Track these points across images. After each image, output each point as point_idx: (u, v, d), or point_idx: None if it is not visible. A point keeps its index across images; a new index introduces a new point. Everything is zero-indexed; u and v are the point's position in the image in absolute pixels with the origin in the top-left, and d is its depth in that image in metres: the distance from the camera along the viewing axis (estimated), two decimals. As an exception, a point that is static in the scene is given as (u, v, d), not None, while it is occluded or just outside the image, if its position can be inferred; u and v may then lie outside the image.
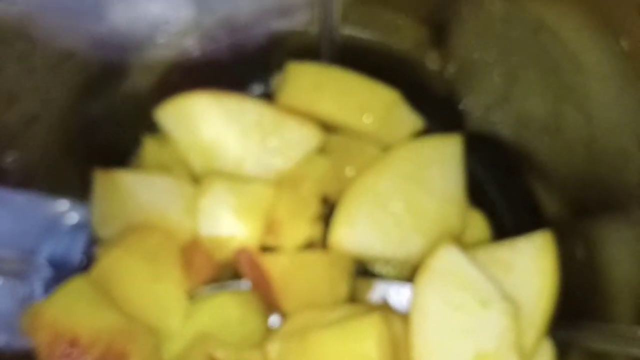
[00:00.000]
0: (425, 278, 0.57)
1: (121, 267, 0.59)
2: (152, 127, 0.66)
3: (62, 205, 0.63)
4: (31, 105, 0.56)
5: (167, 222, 0.61)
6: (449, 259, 0.57)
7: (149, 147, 0.67)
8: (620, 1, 0.44)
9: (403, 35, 0.65)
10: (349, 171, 0.66)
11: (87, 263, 0.63)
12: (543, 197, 0.64)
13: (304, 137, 0.65)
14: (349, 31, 0.66)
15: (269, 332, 0.60)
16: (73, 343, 0.52)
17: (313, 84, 0.67)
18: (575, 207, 0.60)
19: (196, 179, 0.64)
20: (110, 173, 0.63)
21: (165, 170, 0.65)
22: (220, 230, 0.61)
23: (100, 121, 0.63)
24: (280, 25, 0.65)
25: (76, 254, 0.65)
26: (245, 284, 0.63)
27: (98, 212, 0.63)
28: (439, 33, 0.62)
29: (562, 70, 0.53)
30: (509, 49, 0.57)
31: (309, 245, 0.63)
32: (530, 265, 0.59)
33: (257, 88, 0.72)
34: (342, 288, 0.62)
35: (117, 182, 0.62)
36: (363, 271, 0.65)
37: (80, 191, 0.63)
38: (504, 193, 0.68)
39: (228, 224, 0.61)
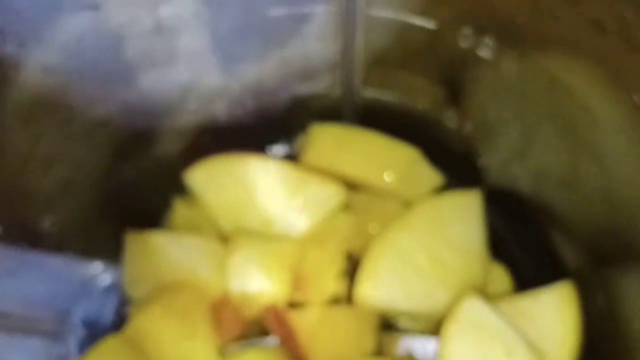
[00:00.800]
0: (451, 330, 0.58)
1: (153, 325, 0.60)
2: (181, 189, 0.68)
3: (96, 267, 0.65)
4: (67, 170, 0.58)
5: (197, 280, 0.63)
6: (473, 310, 0.59)
7: (179, 209, 0.69)
8: (631, 57, 0.46)
9: (421, 95, 0.67)
10: (372, 228, 0.67)
11: (119, 323, 0.64)
12: (563, 248, 0.65)
13: (328, 196, 0.67)
14: (369, 93, 0.68)
15: (297, 388, 0.61)
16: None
17: (336, 144, 0.69)
18: (595, 258, 0.61)
19: (225, 238, 0.66)
20: (142, 234, 0.65)
21: (195, 231, 0.67)
22: (249, 288, 0.62)
23: (131, 184, 0.66)
24: (304, 89, 0.68)
25: (109, 314, 0.66)
26: (272, 340, 0.64)
27: (130, 272, 0.65)
28: (456, 93, 0.64)
29: (577, 125, 0.55)
30: (524, 105, 0.59)
31: (335, 301, 0.64)
32: (553, 316, 0.60)
33: (282, 149, 0.75)
34: (368, 343, 0.63)
35: (148, 243, 0.64)
36: (388, 326, 0.66)
37: (113, 253, 0.65)
38: (524, 245, 0.69)
39: (256, 281, 0.62)
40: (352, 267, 0.65)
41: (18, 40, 0.48)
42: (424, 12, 0.57)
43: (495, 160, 0.68)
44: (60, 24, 0.49)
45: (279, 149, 0.74)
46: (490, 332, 0.58)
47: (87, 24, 0.51)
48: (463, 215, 0.66)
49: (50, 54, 0.50)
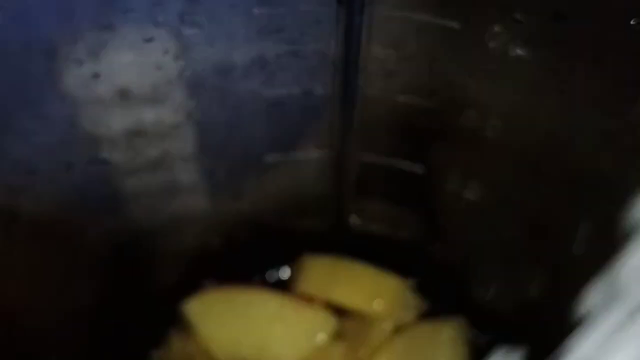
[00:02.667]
0: None
1: None
2: (176, 321, 0.70)
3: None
4: (68, 307, 0.59)
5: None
6: None
7: (174, 340, 0.70)
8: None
9: (408, 229, 0.70)
10: (363, 353, 0.69)
11: None
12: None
13: (321, 324, 0.69)
14: (358, 225, 0.71)
15: None
16: None
17: (327, 274, 0.72)
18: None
19: (220, 369, 0.68)
20: (139, 368, 0.66)
21: (191, 363, 0.68)
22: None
23: (126, 318, 0.67)
24: (296, 222, 0.70)
25: None
26: None
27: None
28: (442, 227, 0.68)
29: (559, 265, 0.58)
30: (508, 243, 0.62)
31: None
32: None
33: (274, 277, 0.77)
34: None
35: (145, 377, 0.66)
36: None
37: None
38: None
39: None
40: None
41: (33, 197, 0.50)
42: (412, 158, 0.61)
43: (479, 288, 0.70)
44: (72, 180, 0.52)
45: (271, 278, 0.76)
46: None
47: (97, 176, 0.54)
48: (448, 342, 0.68)
49: (61, 205, 0.53)
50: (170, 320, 0.70)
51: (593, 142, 0.48)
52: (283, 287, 0.74)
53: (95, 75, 0.48)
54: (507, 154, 0.55)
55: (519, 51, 0.46)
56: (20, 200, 0.50)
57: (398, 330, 0.70)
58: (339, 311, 0.71)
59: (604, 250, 0.51)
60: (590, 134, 0.47)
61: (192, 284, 0.70)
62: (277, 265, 0.76)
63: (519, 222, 0.59)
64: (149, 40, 0.47)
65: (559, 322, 0.63)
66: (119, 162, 0.55)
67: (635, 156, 0.45)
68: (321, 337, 0.69)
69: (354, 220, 0.70)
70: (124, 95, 0.50)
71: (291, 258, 0.74)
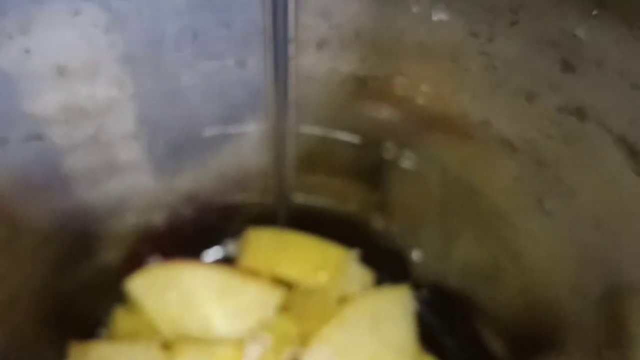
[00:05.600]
0: None
1: None
2: (121, 298, 0.70)
3: (40, 380, 0.66)
4: (13, 287, 0.59)
5: (142, 388, 0.64)
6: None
7: (120, 317, 0.71)
8: (540, 171, 0.51)
9: (349, 200, 0.71)
10: (310, 325, 0.70)
11: None
12: (491, 338, 0.69)
13: (266, 297, 0.70)
14: (300, 199, 0.72)
15: None
16: None
17: (271, 247, 0.73)
18: (524, 347, 0.64)
19: (166, 344, 0.67)
20: (85, 345, 0.66)
21: (137, 338, 0.68)
22: (193, 393, 0.64)
23: (72, 295, 0.67)
24: (238, 197, 0.71)
25: None
26: None
27: (74, 383, 0.66)
28: (382, 197, 0.69)
29: (496, 230, 0.59)
30: (446, 210, 0.63)
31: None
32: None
33: (218, 253, 0.77)
34: None
35: (91, 353, 0.66)
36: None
37: (56, 364, 0.66)
38: (453, 337, 0.73)
39: (200, 387, 0.64)
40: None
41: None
42: (348, 129, 0.61)
43: (421, 258, 0.72)
44: (8, 156, 0.52)
45: (215, 253, 0.77)
46: None
47: (34, 153, 0.54)
48: (395, 310, 0.70)
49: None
50: (115, 297, 0.70)
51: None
52: (228, 262, 0.75)
53: (27, 50, 0.48)
54: (437, 122, 0.56)
55: (442, 15, 0.47)
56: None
57: (344, 301, 0.71)
58: (285, 284, 0.72)
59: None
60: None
61: (137, 262, 0.71)
62: (221, 240, 0.76)
63: (455, 190, 0.61)
64: (78, 13, 0.47)
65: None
66: (56, 138, 0.55)
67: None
68: (267, 310, 0.69)
69: (296, 193, 0.71)
70: (58, 71, 0.50)
71: (235, 233, 0.75)
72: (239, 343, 0.67)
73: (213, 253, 0.77)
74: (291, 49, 0.52)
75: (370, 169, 0.66)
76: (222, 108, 0.59)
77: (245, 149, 0.64)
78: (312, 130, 0.62)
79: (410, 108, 0.56)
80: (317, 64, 0.55)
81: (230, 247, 0.77)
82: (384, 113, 0.58)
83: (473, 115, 0.52)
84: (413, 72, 0.53)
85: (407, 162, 0.61)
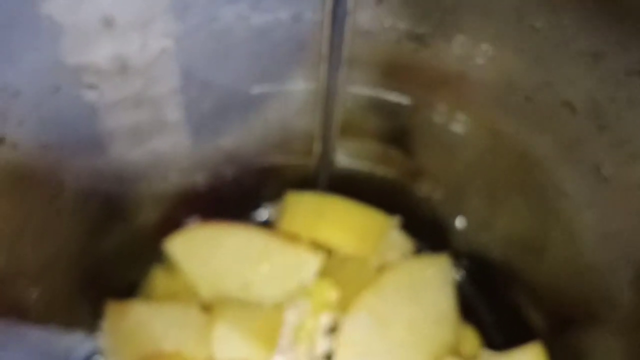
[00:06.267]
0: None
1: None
2: (160, 259, 0.69)
3: (76, 338, 0.65)
4: (55, 245, 0.59)
5: (180, 349, 0.63)
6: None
7: (158, 278, 0.70)
8: (600, 135, 0.50)
9: (393, 166, 0.70)
10: (348, 291, 0.69)
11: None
12: (531, 311, 0.68)
13: (305, 262, 0.69)
14: (344, 163, 0.71)
15: None
16: None
17: (312, 212, 0.72)
18: (563, 320, 0.64)
19: (204, 305, 0.67)
20: (122, 304, 0.66)
21: (175, 299, 0.68)
22: (233, 355, 0.64)
23: (112, 255, 0.66)
24: (281, 159, 0.70)
25: (89, 384, 0.66)
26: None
27: (110, 342, 0.65)
28: (427, 164, 0.68)
29: (546, 197, 0.58)
30: (494, 176, 0.62)
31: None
32: (525, 377, 0.63)
33: (259, 216, 0.76)
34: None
35: (128, 313, 0.65)
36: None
37: (92, 324, 0.66)
38: (493, 309, 0.72)
39: (241, 348, 0.63)
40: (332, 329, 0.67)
41: (17, 120, 0.49)
42: (399, 89, 0.60)
43: (464, 226, 0.71)
44: (60, 104, 0.51)
45: (256, 216, 0.76)
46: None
47: (84, 103, 0.53)
48: (434, 279, 0.69)
49: (47, 131, 0.52)
50: (154, 258, 0.70)
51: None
52: (268, 226, 0.74)
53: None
54: (495, 83, 0.55)
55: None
56: (5, 126, 0.49)
57: (383, 268, 0.71)
58: (324, 249, 0.71)
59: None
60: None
61: (176, 223, 0.70)
62: (262, 203, 0.76)
63: (506, 155, 0.60)
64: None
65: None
66: (104, 90, 0.54)
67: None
68: (306, 275, 0.69)
69: (339, 157, 0.70)
70: (108, 22, 0.49)
71: (276, 196, 0.74)
72: (278, 307, 0.67)
73: (253, 216, 0.76)
74: (350, 2, 0.51)
75: (417, 134, 0.65)
76: (272, 65, 0.58)
77: (291, 109, 0.63)
78: (362, 90, 0.61)
79: (468, 68, 0.54)
80: (375, 20, 0.54)
81: (271, 210, 0.76)
82: (440, 73, 0.57)
83: (534, 76, 0.51)
84: (474, 30, 0.51)
85: (458, 125, 0.60)
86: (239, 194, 0.72)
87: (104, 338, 0.65)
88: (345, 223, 0.72)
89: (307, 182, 0.73)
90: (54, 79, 0.50)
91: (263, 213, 0.76)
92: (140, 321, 0.65)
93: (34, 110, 0.49)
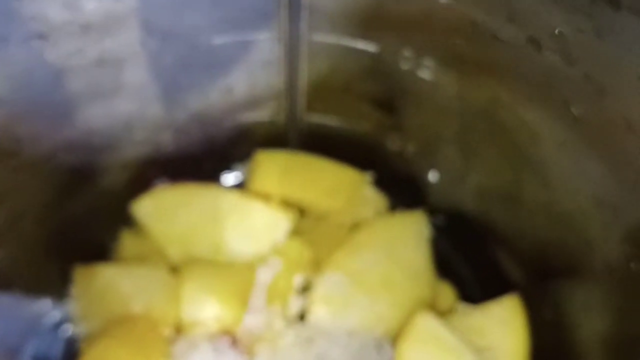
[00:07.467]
0: (405, 346, 0.59)
1: (107, 358, 0.60)
2: (128, 221, 0.68)
3: (44, 303, 0.64)
4: (16, 204, 0.57)
5: (150, 311, 0.62)
6: (426, 326, 0.60)
7: (127, 240, 0.68)
8: (568, 72, 0.48)
9: (364, 120, 0.68)
10: (321, 250, 0.68)
11: (69, 359, 0.63)
12: (507, 264, 0.67)
13: (276, 221, 0.67)
14: (313, 118, 0.69)
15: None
16: None
17: (282, 170, 0.70)
18: (540, 272, 0.63)
19: (173, 267, 0.66)
20: (90, 267, 0.64)
21: (144, 262, 0.66)
22: (203, 315, 0.62)
23: (78, 217, 0.65)
24: (249, 116, 0.68)
25: (59, 351, 0.65)
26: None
27: (79, 307, 0.63)
28: (398, 116, 0.66)
29: (518, 142, 0.57)
30: (465, 124, 0.61)
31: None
32: (502, 328, 0.62)
33: (228, 177, 0.75)
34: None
35: (97, 276, 0.64)
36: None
37: (61, 288, 0.64)
38: (470, 262, 0.71)
39: (210, 308, 0.62)
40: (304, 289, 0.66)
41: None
42: (365, 36, 0.59)
43: (438, 180, 0.69)
44: (8, 55, 0.49)
45: (226, 177, 0.75)
46: (443, 347, 0.59)
47: (34, 55, 0.51)
48: (409, 236, 0.68)
49: (-1, 86, 0.50)
50: (123, 221, 0.68)
51: None
52: (238, 187, 0.73)
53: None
54: (461, 23, 0.53)
55: None
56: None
57: (357, 226, 0.69)
58: (296, 208, 0.70)
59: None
60: None
61: (144, 185, 0.68)
62: (231, 164, 0.74)
63: (476, 101, 0.58)
64: None
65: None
66: (56, 41, 0.52)
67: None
68: (278, 234, 0.67)
69: (308, 113, 0.69)
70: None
71: (247, 156, 0.73)
72: (250, 267, 0.66)
73: (223, 177, 0.75)
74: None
75: (386, 83, 0.63)
76: (233, 13, 0.56)
77: (255, 62, 0.62)
78: (327, 38, 0.59)
79: (432, 10, 0.53)
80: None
81: (240, 170, 0.74)
82: (405, 17, 0.55)
83: (499, 13, 0.50)
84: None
85: (426, 71, 0.59)
86: (208, 155, 0.70)
87: (73, 304, 0.64)
88: (316, 181, 0.70)
89: (278, 141, 0.71)
90: (1, 29, 0.48)
91: (232, 173, 0.75)
92: (109, 284, 0.63)
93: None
